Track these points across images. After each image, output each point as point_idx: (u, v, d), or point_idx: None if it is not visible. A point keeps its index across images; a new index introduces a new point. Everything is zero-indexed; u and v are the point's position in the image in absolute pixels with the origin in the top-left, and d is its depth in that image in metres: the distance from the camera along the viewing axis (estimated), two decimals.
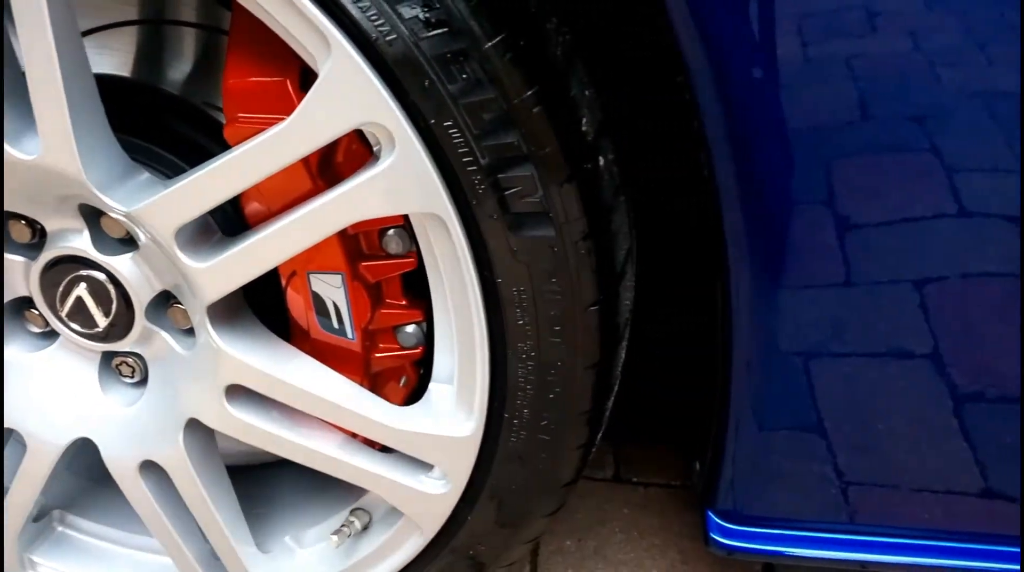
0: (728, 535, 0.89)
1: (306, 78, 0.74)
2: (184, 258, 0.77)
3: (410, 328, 0.86)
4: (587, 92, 0.71)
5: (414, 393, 0.89)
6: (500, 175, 0.67)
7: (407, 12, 0.63)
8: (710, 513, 0.89)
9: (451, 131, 0.66)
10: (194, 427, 0.89)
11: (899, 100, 0.63)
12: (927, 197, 0.65)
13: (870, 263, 0.69)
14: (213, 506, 0.92)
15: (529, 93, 0.65)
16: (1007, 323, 0.70)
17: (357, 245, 0.81)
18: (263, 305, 0.88)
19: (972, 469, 0.84)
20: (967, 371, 0.74)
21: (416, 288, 0.84)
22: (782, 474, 0.86)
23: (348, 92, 0.65)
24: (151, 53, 0.92)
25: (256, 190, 0.78)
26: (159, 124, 0.88)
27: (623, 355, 0.86)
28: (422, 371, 0.89)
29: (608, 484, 1.35)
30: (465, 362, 0.78)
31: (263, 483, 1.09)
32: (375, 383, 0.89)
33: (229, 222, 0.84)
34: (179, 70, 0.92)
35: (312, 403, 0.83)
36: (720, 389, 0.80)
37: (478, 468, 0.83)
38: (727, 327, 0.75)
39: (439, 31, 0.63)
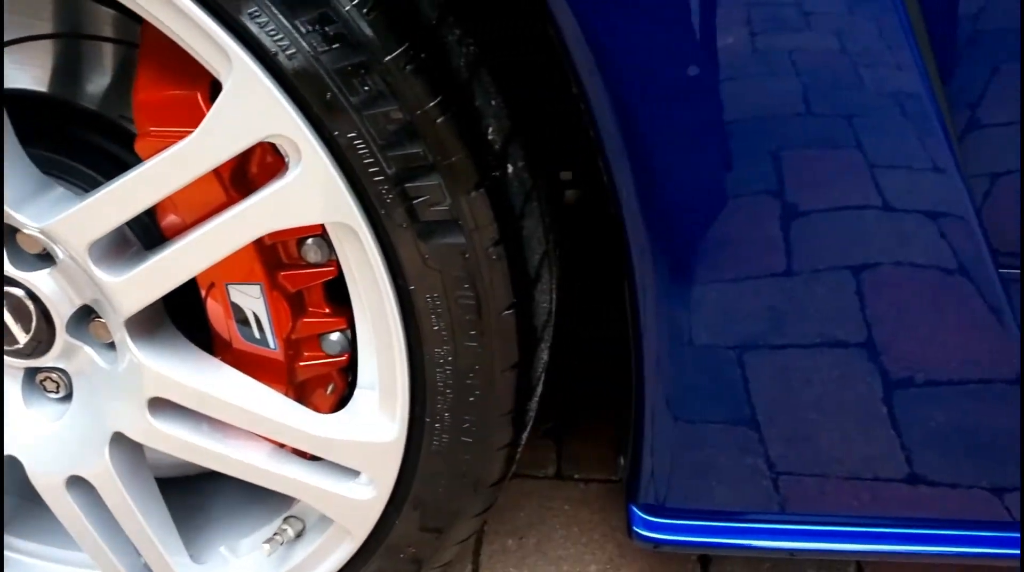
0: (652, 528, 0.92)
1: (217, 90, 0.75)
2: (99, 272, 0.78)
3: (334, 336, 0.87)
4: (493, 101, 0.72)
5: (344, 400, 0.90)
6: (407, 185, 0.69)
7: (306, 27, 0.64)
8: (633, 507, 0.90)
9: (356, 142, 0.67)
10: (120, 441, 0.89)
11: (786, 96, 0.65)
12: (817, 191, 0.68)
13: (766, 256, 0.71)
14: (143, 519, 0.92)
15: (432, 104, 0.67)
16: (901, 308, 0.73)
17: (275, 255, 0.82)
18: (197, 316, 0.88)
19: (885, 455, 0.86)
20: (866, 358, 0.76)
21: (340, 296, 0.84)
22: (701, 466, 0.88)
23: (251, 106, 0.66)
24: (67, 67, 0.92)
25: (171, 203, 0.78)
26: (76, 139, 0.88)
27: (545, 356, 0.88)
28: (350, 378, 0.90)
29: (551, 481, 1.36)
30: (385, 368, 0.79)
31: (198, 493, 1.09)
32: (302, 391, 0.89)
33: (150, 235, 0.85)
34: (97, 84, 0.92)
35: (235, 414, 0.83)
36: (635, 385, 0.82)
37: (403, 472, 0.84)
38: (636, 323, 0.77)
39: (338, 45, 0.64)
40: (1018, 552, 0.92)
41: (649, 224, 0.69)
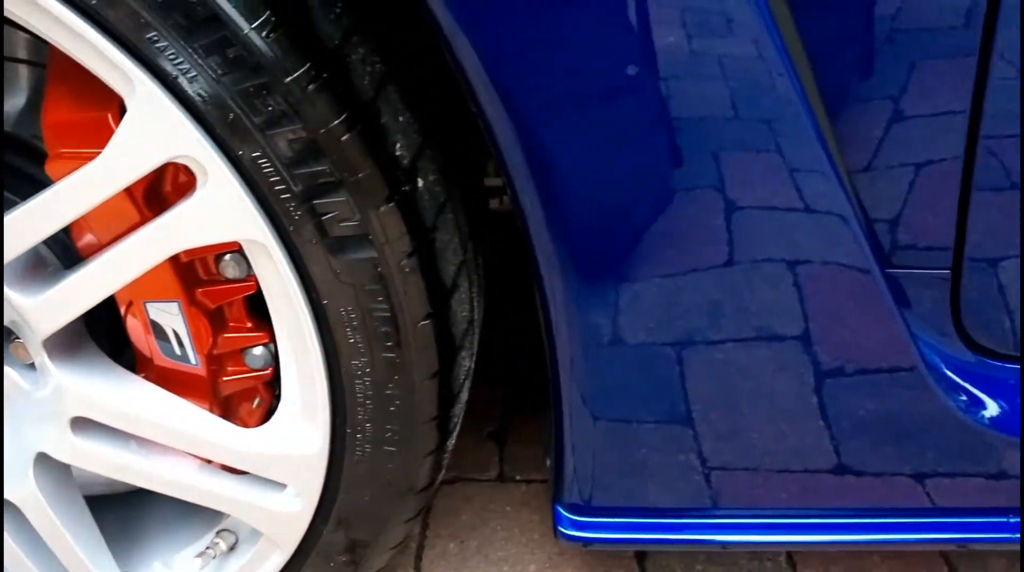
0: (578, 527, 0.94)
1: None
2: (14, 294, 0.78)
3: (257, 350, 0.87)
4: (401, 117, 0.74)
5: (272, 413, 0.91)
6: (315, 201, 0.70)
7: (206, 51, 0.65)
8: (557, 507, 0.92)
9: (260, 162, 0.68)
10: (45, 462, 0.88)
11: (669, 104, 0.67)
12: (702, 194, 0.71)
13: (664, 256, 0.74)
14: (72, 540, 0.92)
15: (336, 122, 0.68)
16: (790, 305, 0.76)
17: (193, 271, 0.82)
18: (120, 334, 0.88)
19: (802, 447, 0.89)
20: (763, 351, 0.79)
21: (262, 310, 0.85)
22: (624, 464, 0.90)
23: (155, 128, 0.67)
24: None
25: (85, 223, 0.78)
26: None
27: (468, 363, 0.89)
28: (277, 391, 0.91)
29: (493, 484, 1.38)
30: (305, 381, 0.81)
31: (134, 508, 1.09)
32: (227, 406, 0.90)
33: (70, 255, 0.85)
34: (11, 104, 0.91)
35: (158, 432, 0.83)
36: (551, 386, 0.84)
37: (328, 483, 0.85)
38: (548, 327, 0.79)
39: (238, 68, 0.65)
40: (942, 536, 0.95)
41: (552, 231, 0.72)
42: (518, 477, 1.40)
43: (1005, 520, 0.86)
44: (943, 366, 0.78)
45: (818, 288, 0.74)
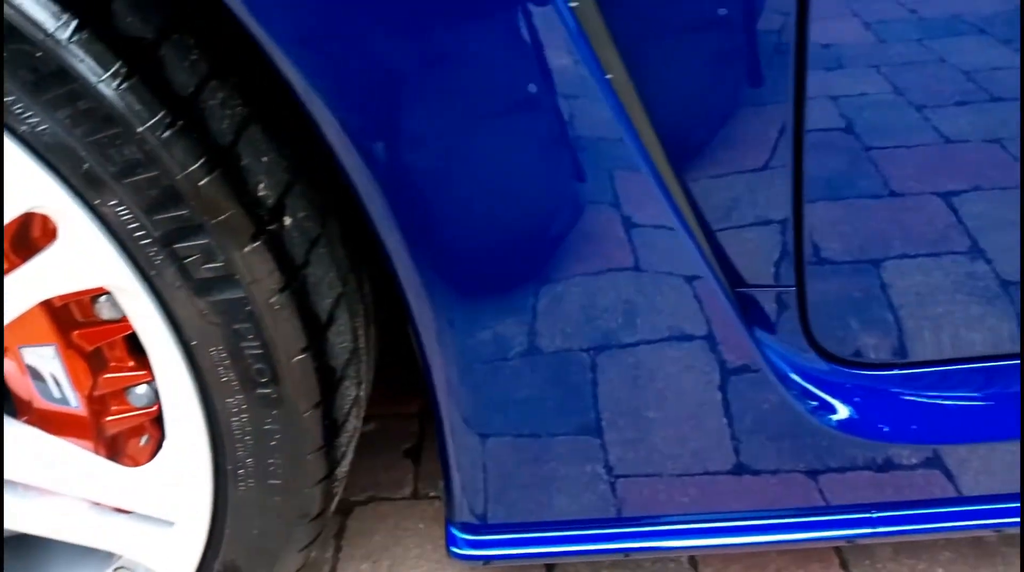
0: (471, 546, 0.96)
1: None
2: None
3: (140, 389, 0.88)
4: (265, 158, 0.75)
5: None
6: (176, 246, 0.71)
7: (55, 104, 0.65)
8: (450, 527, 0.95)
9: (118, 209, 0.69)
10: None
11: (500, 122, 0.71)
12: (549, 216, 0.74)
13: (525, 275, 0.77)
14: None
15: (194, 167, 0.69)
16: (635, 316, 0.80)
17: (69, 314, 0.83)
18: None
19: (672, 454, 0.92)
20: (609, 361, 0.83)
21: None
22: (512, 479, 0.92)
23: (10, 178, 0.67)
24: None
25: None
26: None
27: (354, 391, 0.91)
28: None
29: (407, 502, 1.40)
30: (185, 419, 0.81)
31: (36, 546, 1.08)
32: (114, 445, 0.90)
33: None
34: None
35: (41, 475, 0.83)
36: (432, 407, 0.86)
37: (215, 518, 0.86)
38: (420, 350, 0.81)
39: (90, 119, 0.66)
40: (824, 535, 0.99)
41: (414, 259, 0.74)
42: (432, 494, 1.41)
43: (868, 516, 0.91)
44: (796, 375, 0.82)
45: (670, 306, 0.78)
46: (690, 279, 0.76)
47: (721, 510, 0.98)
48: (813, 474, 0.90)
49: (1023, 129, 0.74)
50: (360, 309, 0.91)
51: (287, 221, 0.77)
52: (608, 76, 0.66)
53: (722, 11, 0.68)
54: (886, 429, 0.82)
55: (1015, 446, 0.84)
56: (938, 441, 0.83)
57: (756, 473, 0.92)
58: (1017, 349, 0.82)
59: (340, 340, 0.85)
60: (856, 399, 0.82)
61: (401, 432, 1.52)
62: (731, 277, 0.80)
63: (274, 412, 0.80)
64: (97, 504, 0.90)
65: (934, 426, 0.83)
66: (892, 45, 0.72)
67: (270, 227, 0.75)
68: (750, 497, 0.95)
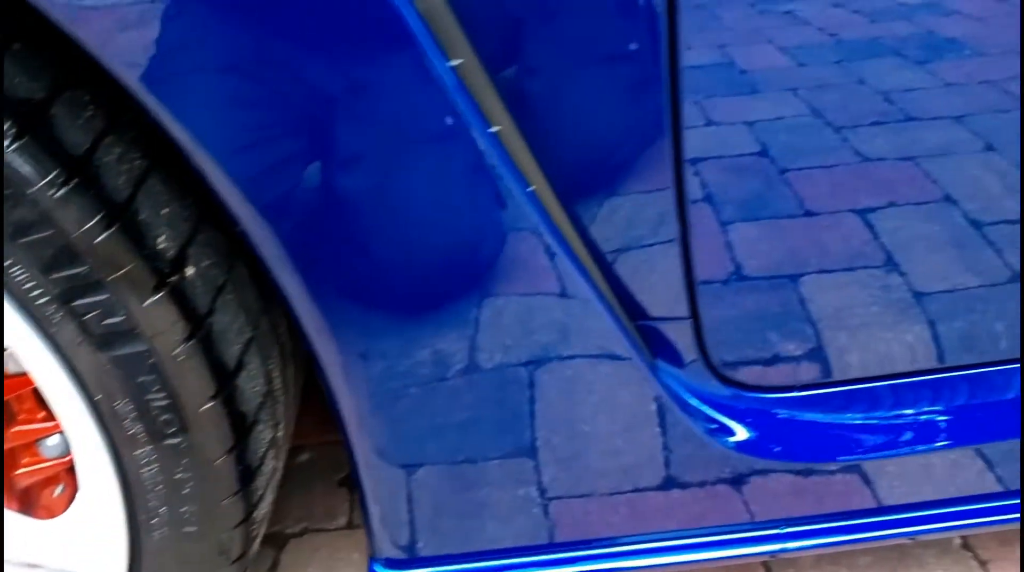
0: None
1: None
2: None
3: (52, 440, 0.87)
4: (165, 210, 0.76)
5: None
6: (75, 303, 0.71)
7: None
8: (373, 563, 0.95)
9: (13, 270, 0.69)
10: None
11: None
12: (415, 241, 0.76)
13: (421, 304, 0.79)
14: None
15: (91, 225, 0.69)
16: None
17: None
18: None
19: (589, 478, 0.93)
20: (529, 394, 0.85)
21: None
22: (429, 510, 0.93)
23: None
24: None
25: None
26: None
27: (270, 433, 0.92)
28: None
29: (342, 532, 1.40)
30: (95, 471, 0.81)
31: None
32: (27, 498, 0.89)
33: None
34: None
35: None
36: (346, 445, 0.87)
37: (132, 569, 0.86)
38: (328, 390, 0.82)
39: None
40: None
41: (319, 307, 0.76)
42: None
43: (777, 531, 0.95)
44: (698, 401, 0.85)
45: (567, 340, 0.80)
46: (586, 315, 0.79)
47: (648, 531, 1.00)
48: (726, 494, 0.93)
49: (1023, 133, 0.78)
50: (275, 350, 0.92)
51: (189, 271, 0.77)
52: (493, 129, 0.69)
53: (595, 48, 0.71)
54: (777, 449, 0.86)
55: (903, 460, 0.89)
56: (822, 459, 0.87)
57: (675, 495, 0.95)
58: (898, 370, 0.86)
59: (252, 385, 0.86)
60: (750, 421, 0.86)
61: (334, 461, 1.52)
62: (633, 310, 0.83)
63: (185, 461, 0.81)
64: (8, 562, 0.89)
65: (820, 445, 0.86)
66: (765, 70, 0.75)
67: (171, 279, 0.76)
68: (674, 517, 0.97)
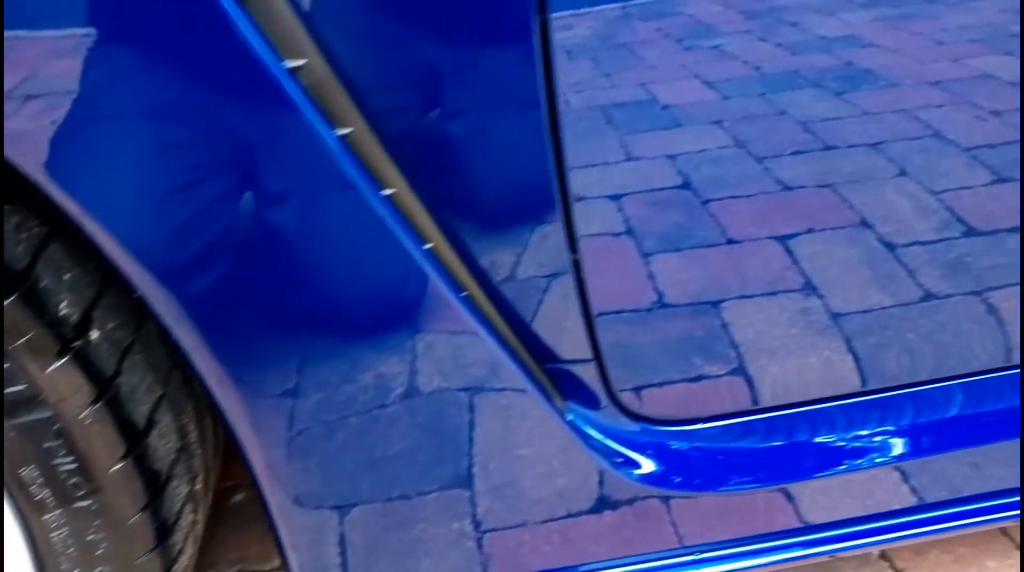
0: None
1: None
2: None
3: None
4: (67, 275, 0.76)
5: None
6: None
7: None
8: None
9: None
10: None
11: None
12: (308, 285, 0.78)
13: (322, 354, 0.81)
14: None
15: None
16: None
17: None
18: None
19: (505, 514, 0.96)
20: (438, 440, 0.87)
21: None
22: (342, 558, 0.94)
23: None
24: None
25: None
26: None
27: (186, 487, 0.92)
28: None
29: None
30: (3, 536, 0.81)
31: None
32: None
33: None
34: None
35: None
36: (258, 494, 0.87)
37: None
38: (233, 437, 0.83)
39: None
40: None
41: (220, 363, 0.77)
42: None
43: (692, 557, 0.98)
44: (606, 437, 0.88)
45: (472, 384, 0.83)
46: (492, 363, 0.81)
47: (577, 563, 1.02)
48: (644, 523, 0.95)
49: (1023, 134, 0.81)
50: (188, 405, 0.92)
51: (94, 335, 0.78)
52: (386, 192, 0.71)
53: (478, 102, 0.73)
54: (678, 480, 0.89)
55: (798, 485, 0.93)
56: (717, 488, 0.91)
57: (595, 526, 0.98)
58: (791, 401, 0.90)
59: (164, 441, 0.86)
60: (651, 454, 0.89)
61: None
62: (542, 355, 0.85)
63: (96, 522, 0.81)
64: None
65: (717, 474, 0.90)
66: (645, 103, 0.79)
67: (75, 344, 0.76)
68: (604, 545, 0.99)
